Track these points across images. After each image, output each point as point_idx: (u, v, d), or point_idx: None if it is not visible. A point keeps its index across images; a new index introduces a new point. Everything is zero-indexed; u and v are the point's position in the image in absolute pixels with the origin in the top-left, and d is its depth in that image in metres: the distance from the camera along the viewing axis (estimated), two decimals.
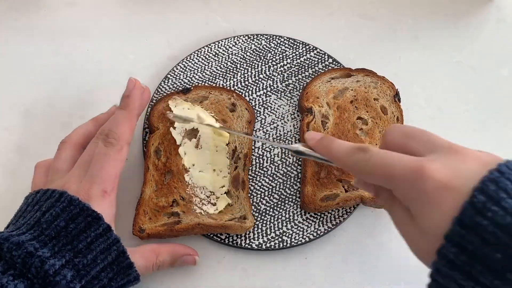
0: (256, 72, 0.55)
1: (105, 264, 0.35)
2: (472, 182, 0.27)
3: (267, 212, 0.47)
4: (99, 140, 0.42)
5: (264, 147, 0.50)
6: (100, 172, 0.39)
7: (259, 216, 0.47)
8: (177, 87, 0.54)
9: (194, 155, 0.48)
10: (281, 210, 0.47)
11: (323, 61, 0.55)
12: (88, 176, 0.39)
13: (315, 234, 0.45)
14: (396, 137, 0.34)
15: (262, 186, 0.48)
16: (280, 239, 0.45)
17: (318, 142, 0.39)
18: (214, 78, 0.55)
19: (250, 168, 0.49)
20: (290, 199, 0.47)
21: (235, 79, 0.55)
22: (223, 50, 0.57)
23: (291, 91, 0.54)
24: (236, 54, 0.57)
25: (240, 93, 0.54)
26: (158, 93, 0.53)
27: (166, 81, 0.54)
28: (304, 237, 0.45)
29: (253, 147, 0.50)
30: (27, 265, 0.32)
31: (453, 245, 0.27)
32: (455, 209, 0.27)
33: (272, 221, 0.46)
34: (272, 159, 0.50)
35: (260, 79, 0.55)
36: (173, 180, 0.46)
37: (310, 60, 0.56)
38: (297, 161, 0.49)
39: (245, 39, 0.57)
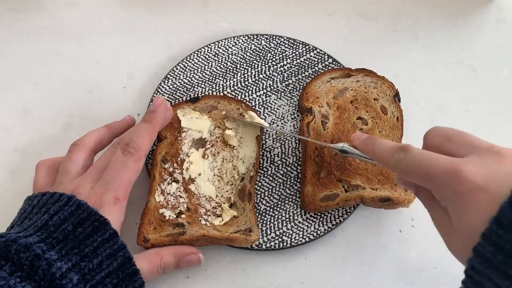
0: (256, 72, 0.55)
1: (110, 269, 0.35)
2: (510, 183, 0.28)
3: (267, 212, 0.47)
4: (118, 148, 0.42)
5: (264, 147, 0.50)
6: (115, 179, 0.39)
7: (259, 216, 0.47)
8: (177, 87, 0.54)
9: (201, 165, 0.47)
10: (281, 210, 0.47)
11: (323, 61, 0.55)
12: (102, 182, 0.39)
13: (315, 234, 0.45)
14: (435, 139, 0.35)
15: (262, 186, 0.48)
16: (280, 239, 0.45)
17: (362, 142, 0.40)
18: (214, 78, 0.55)
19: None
20: (290, 199, 0.47)
21: (235, 79, 0.55)
22: (223, 50, 0.57)
23: (291, 91, 0.54)
24: (236, 54, 0.57)
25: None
26: (158, 93, 0.53)
27: (166, 81, 0.54)
28: (304, 237, 0.45)
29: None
30: (34, 267, 0.32)
31: (490, 244, 0.27)
32: (492, 210, 0.27)
33: (272, 221, 0.46)
34: (272, 159, 0.50)
35: (260, 79, 0.55)
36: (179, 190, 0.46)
37: (310, 60, 0.56)
38: (297, 161, 0.49)
39: (245, 39, 0.57)
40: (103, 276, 0.35)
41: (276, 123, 0.52)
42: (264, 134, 0.51)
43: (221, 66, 0.56)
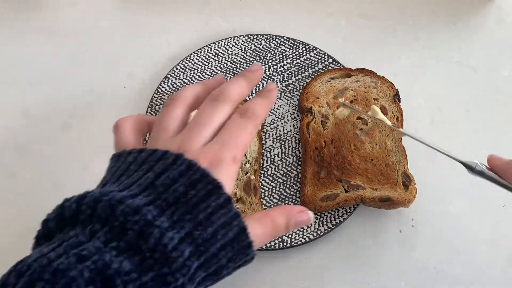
0: None
1: (225, 241, 0.30)
2: None
3: None
4: (235, 113, 0.37)
5: (264, 148, 0.50)
6: (235, 139, 0.35)
7: None
8: (177, 87, 0.54)
9: None
10: None
11: (323, 61, 0.55)
12: (218, 140, 0.34)
13: (315, 234, 0.45)
14: None
15: (262, 186, 0.48)
16: (280, 239, 0.45)
17: (507, 164, 0.33)
18: None
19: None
20: (290, 199, 0.47)
21: None
22: (223, 50, 0.57)
23: (291, 91, 0.54)
24: (236, 54, 0.57)
25: None
26: (158, 93, 0.53)
27: (166, 81, 0.54)
28: (304, 237, 0.45)
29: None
30: (144, 236, 0.27)
31: None
32: None
33: None
34: (272, 159, 0.50)
35: (260, 79, 0.55)
36: None
37: (310, 60, 0.56)
38: (297, 161, 0.49)
39: (245, 39, 0.57)
40: (218, 249, 0.30)
41: (276, 123, 0.52)
42: (264, 134, 0.51)
43: (221, 66, 0.56)
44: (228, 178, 0.32)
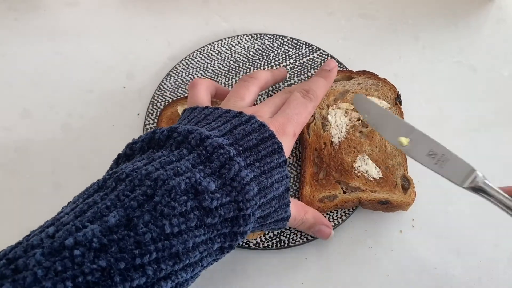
0: None
1: (277, 193, 0.36)
2: None
3: None
4: (298, 91, 0.43)
5: None
6: (297, 115, 0.41)
7: None
8: (179, 84, 0.54)
9: None
10: None
11: None
12: (282, 113, 0.40)
13: (312, 235, 0.45)
14: None
15: None
16: (278, 239, 0.45)
17: None
18: (216, 77, 0.55)
19: None
20: None
21: (237, 78, 0.55)
22: (226, 49, 0.57)
23: None
24: (239, 53, 0.57)
25: None
26: (160, 90, 0.53)
27: (168, 78, 0.54)
28: (302, 237, 0.45)
29: None
30: (226, 167, 0.32)
31: None
32: None
33: None
34: None
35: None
36: None
37: (313, 61, 0.56)
38: (297, 161, 0.49)
39: (248, 38, 0.57)
40: (271, 198, 0.35)
41: None
42: None
43: (224, 64, 0.56)
44: (286, 147, 0.38)
